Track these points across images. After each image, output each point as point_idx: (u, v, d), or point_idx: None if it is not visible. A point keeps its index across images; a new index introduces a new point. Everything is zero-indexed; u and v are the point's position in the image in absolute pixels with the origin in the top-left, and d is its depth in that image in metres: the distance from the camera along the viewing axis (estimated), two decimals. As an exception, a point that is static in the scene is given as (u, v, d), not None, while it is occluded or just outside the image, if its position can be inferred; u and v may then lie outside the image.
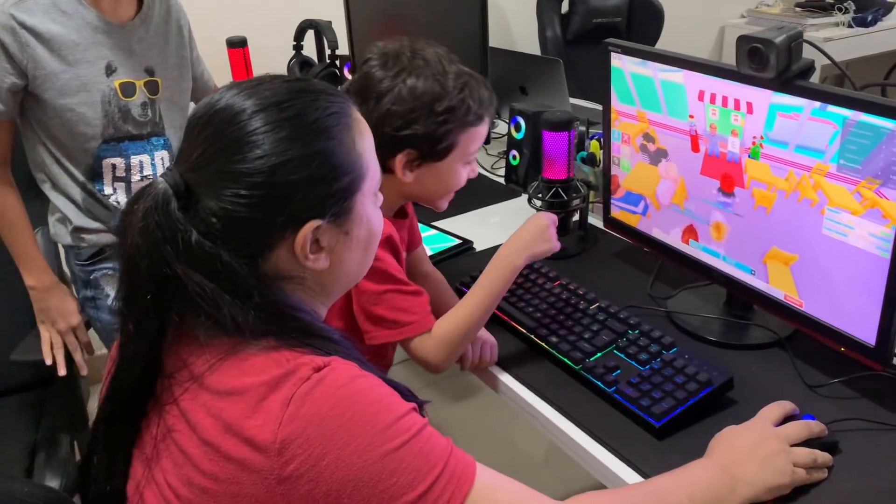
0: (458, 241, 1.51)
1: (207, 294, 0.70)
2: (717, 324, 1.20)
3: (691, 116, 1.13)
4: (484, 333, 1.15)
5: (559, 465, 2.10)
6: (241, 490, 0.68)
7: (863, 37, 3.16)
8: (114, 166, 1.53)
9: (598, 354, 1.10)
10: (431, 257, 1.43)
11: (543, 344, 1.14)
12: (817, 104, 0.95)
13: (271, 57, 2.28)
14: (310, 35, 2.30)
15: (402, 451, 0.69)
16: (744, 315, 1.20)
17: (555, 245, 1.13)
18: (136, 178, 1.56)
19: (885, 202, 0.91)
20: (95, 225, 1.57)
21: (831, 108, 0.94)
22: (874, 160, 0.91)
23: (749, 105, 1.04)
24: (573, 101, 1.94)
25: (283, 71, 2.33)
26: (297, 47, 2.32)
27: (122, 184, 1.56)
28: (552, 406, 1.06)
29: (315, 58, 2.33)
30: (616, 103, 1.27)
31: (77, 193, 1.54)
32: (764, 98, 1.01)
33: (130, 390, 0.75)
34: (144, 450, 0.75)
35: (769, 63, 0.96)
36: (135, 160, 1.54)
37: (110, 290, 1.59)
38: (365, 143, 0.79)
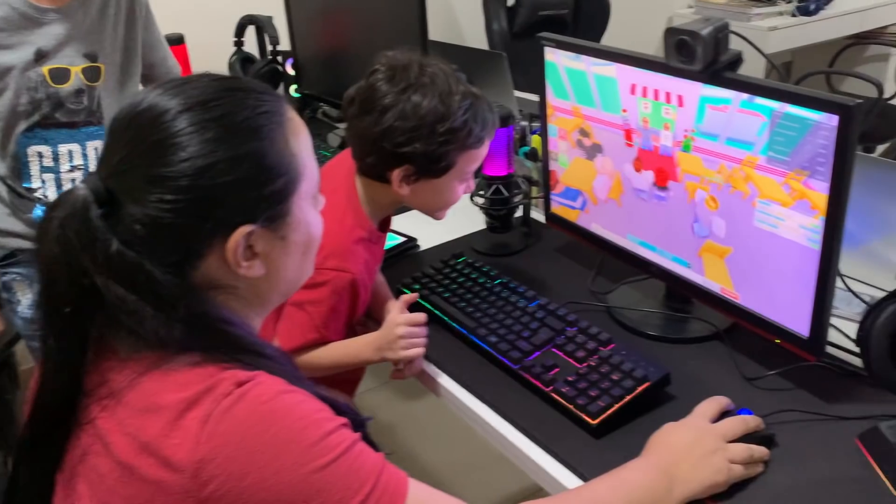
0: (402, 240, 1.48)
1: (129, 307, 0.67)
2: (656, 318, 1.19)
3: (624, 111, 1.12)
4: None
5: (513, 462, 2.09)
6: None
7: (807, 25, 3.20)
8: (40, 155, 1.48)
9: (537, 353, 1.08)
10: (375, 257, 1.41)
11: (483, 344, 1.13)
12: (745, 96, 0.95)
13: (211, 54, 2.23)
14: (251, 31, 2.25)
15: (329, 468, 0.66)
16: (683, 308, 1.19)
17: (403, 356, 1.09)
18: (65, 167, 1.51)
19: (812, 193, 0.91)
20: (16, 228, 1.50)
21: (759, 100, 0.93)
22: (801, 152, 0.90)
23: (680, 98, 1.03)
24: (519, 94, 1.92)
25: (224, 69, 2.28)
26: (238, 43, 2.27)
27: (51, 175, 1.50)
28: (490, 407, 1.04)
29: (257, 54, 2.28)
30: (552, 98, 1.26)
31: (1, 189, 1.47)
32: (694, 91, 1.00)
33: (53, 409, 0.72)
34: (64, 472, 0.72)
35: (696, 55, 0.95)
36: (63, 149, 1.49)
37: (21, 297, 1.53)
38: (300, 142, 0.75)
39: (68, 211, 0.67)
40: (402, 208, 1.22)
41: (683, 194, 1.08)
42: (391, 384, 2.46)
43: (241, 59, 2.26)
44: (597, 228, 1.27)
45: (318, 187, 0.79)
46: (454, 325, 1.18)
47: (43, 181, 1.50)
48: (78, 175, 1.54)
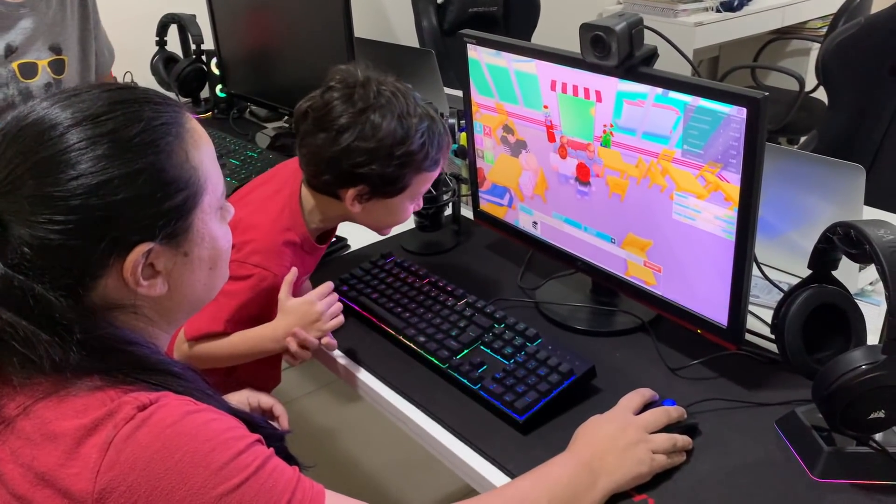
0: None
1: (19, 333, 0.63)
2: (583, 312, 1.20)
3: (545, 107, 1.13)
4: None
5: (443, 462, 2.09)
6: None
7: (731, 21, 3.28)
8: None
9: (465, 351, 1.08)
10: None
11: (411, 344, 1.12)
12: (660, 90, 0.96)
13: (133, 54, 2.16)
14: (173, 30, 2.19)
15: (240, 490, 0.64)
16: (609, 302, 1.21)
17: (329, 327, 1.07)
18: None
19: (726, 185, 0.93)
20: None
21: (672, 94, 0.95)
22: (714, 144, 0.92)
23: (598, 93, 1.04)
24: (449, 91, 1.92)
25: (146, 69, 2.22)
26: (161, 43, 2.21)
27: None
28: (419, 408, 1.04)
29: (180, 53, 2.22)
30: (476, 95, 1.26)
31: None
32: (611, 86, 1.01)
33: None
34: None
35: (611, 50, 0.96)
36: None
37: None
38: (202, 153, 0.72)
39: None
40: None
41: (605, 189, 1.09)
42: (329, 387, 2.44)
43: (164, 59, 2.20)
44: (523, 224, 1.27)
45: (223, 198, 0.76)
46: (382, 326, 1.17)
47: None
48: None
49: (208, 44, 2.11)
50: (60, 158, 0.64)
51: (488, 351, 1.07)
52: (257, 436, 0.69)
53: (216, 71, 2.12)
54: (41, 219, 0.63)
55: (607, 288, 1.20)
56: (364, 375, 1.12)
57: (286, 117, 1.99)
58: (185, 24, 2.12)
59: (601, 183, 1.09)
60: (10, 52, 1.44)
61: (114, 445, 0.62)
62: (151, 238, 0.68)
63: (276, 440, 0.73)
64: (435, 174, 1.14)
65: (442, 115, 1.38)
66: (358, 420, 2.32)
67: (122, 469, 0.61)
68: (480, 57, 1.21)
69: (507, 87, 1.18)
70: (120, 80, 2.12)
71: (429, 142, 1.08)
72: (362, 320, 1.20)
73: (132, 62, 2.16)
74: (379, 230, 1.20)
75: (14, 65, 1.45)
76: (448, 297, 1.19)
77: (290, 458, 0.72)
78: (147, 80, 2.19)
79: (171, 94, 2.21)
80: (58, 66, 1.52)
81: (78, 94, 0.68)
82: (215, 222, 0.75)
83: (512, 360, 1.04)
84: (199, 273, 0.74)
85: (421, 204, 1.19)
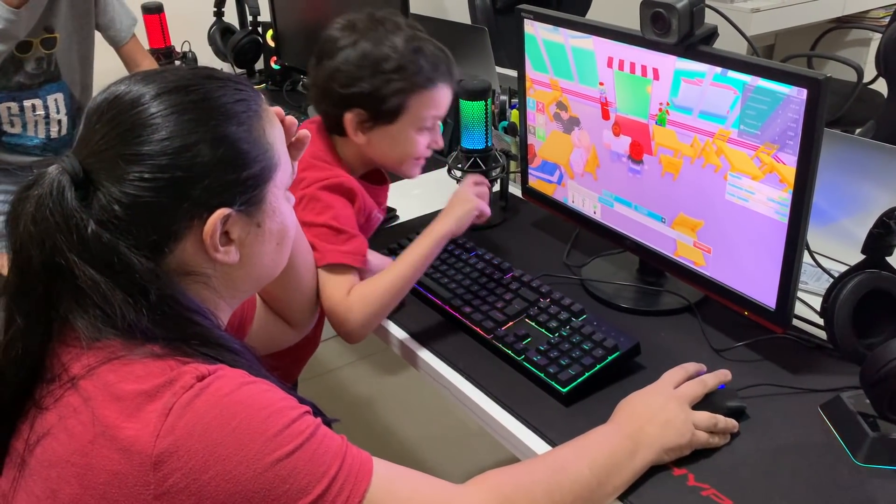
0: (380, 211, 1.49)
1: (100, 290, 0.67)
2: (628, 291, 1.21)
3: (601, 84, 1.13)
4: None
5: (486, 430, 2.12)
6: None
7: (790, 8, 3.20)
8: (8, 108, 1.78)
9: (510, 323, 1.09)
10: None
11: (457, 314, 1.14)
12: (718, 69, 0.95)
13: (191, 23, 2.20)
14: (230, 1, 2.23)
15: (294, 456, 0.66)
16: (655, 282, 1.21)
17: (484, 210, 1.14)
18: (30, 115, 1.81)
19: (782, 167, 0.92)
20: None
21: (731, 74, 0.94)
22: (772, 125, 0.92)
23: (655, 71, 1.03)
24: (500, 70, 1.92)
25: (203, 39, 2.26)
26: (218, 14, 2.24)
27: (19, 119, 1.81)
28: (464, 377, 1.06)
29: (237, 25, 2.26)
30: (530, 71, 1.26)
31: None
32: (669, 64, 1.01)
33: (13, 393, 0.70)
34: (12, 456, 0.70)
35: (671, 28, 0.95)
36: (27, 103, 1.79)
37: None
38: (275, 134, 0.77)
39: (44, 191, 0.67)
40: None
41: (658, 168, 1.09)
42: (369, 359, 2.48)
43: (221, 30, 2.24)
44: (572, 202, 1.28)
45: (290, 182, 0.81)
46: (430, 295, 1.19)
47: (12, 123, 1.81)
48: (40, 118, 1.83)
49: (264, 16, 2.15)
50: (151, 122, 0.69)
51: (533, 324, 1.09)
52: (307, 406, 0.71)
53: (271, 43, 2.15)
54: (132, 176, 0.67)
55: (654, 268, 1.20)
56: (410, 342, 1.14)
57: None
58: (243, -5, 2.15)
59: (654, 161, 1.09)
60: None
61: (173, 412, 0.64)
62: (230, 204, 0.72)
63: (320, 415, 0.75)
64: (435, 97, 1.11)
65: (494, 91, 1.39)
66: (395, 392, 2.36)
67: (181, 434, 0.63)
68: (537, 32, 1.21)
69: (563, 63, 1.18)
70: (178, 49, 2.17)
71: (420, 57, 1.07)
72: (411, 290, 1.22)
73: (190, 31, 2.21)
74: (396, 167, 1.17)
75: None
76: (494, 271, 1.21)
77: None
78: (205, 51, 2.24)
79: (227, 65, 2.26)
80: (49, 43, 1.76)
81: (165, 71, 0.73)
82: (284, 201, 0.80)
83: (556, 334, 1.06)
84: (268, 245, 0.78)
85: (440, 141, 1.17)
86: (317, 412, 0.75)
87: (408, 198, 1.57)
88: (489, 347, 1.08)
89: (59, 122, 1.85)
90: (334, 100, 1.09)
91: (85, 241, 0.66)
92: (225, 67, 2.28)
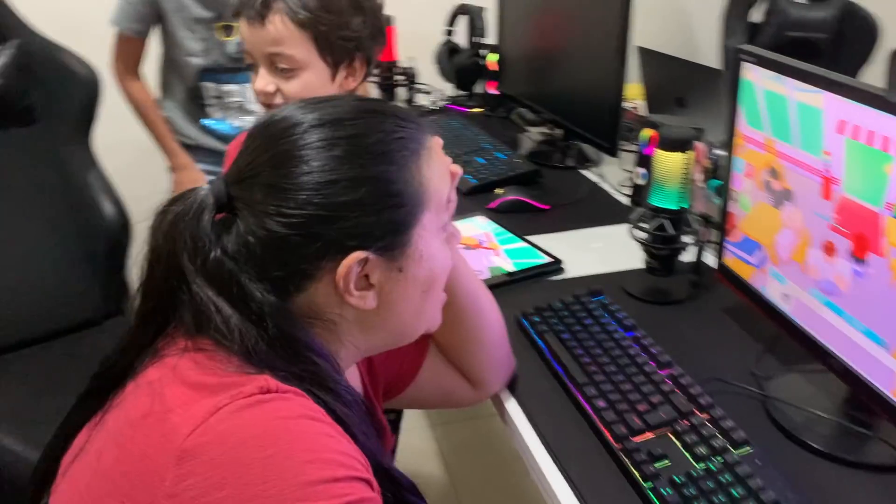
0: (546, 260, 1.31)
1: (220, 313, 0.65)
2: (825, 426, 0.91)
3: (826, 153, 0.86)
4: None
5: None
6: (132, 492, 0.59)
7: None
8: (209, 89, 1.94)
9: (648, 435, 0.87)
10: (512, 273, 1.26)
11: (588, 406, 0.93)
12: None
13: (420, 38, 2.19)
14: (462, 21, 2.18)
15: None
16: (864, 422, 0.90)
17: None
18: (228, 100, 1.94)
19: None
20: (191, 133, 1.99)
21: None
22: None
23: (902, 145, 0.76)
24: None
25: (431, 55, 2.23)
26: (449, 32, 2.21)
27: (217, 104, 1.94)
28: (568, 483, 0.85)
29: (465, 44, 2.20)
30: (743, 126, 1.02)
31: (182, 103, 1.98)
32: (923, 138, 0.73)
33: (117, 375, 0.69)
34: (97, 421, 0.70)
35: (931, 89, 0.68)
36: (226, 87, 1.93)
37: None
38: (433, 171, 0.72)
39: (185, 208, 0.66)
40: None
41: (887, 274, 0.80)
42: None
43: (449, 49, 2.20)
44: (770, 293, 1.01)
45: (449, 220, 0.75)
46: (560, 370, 0.99)
47: (212, 107, 1.95)
48: (236, 105, 1.95)
49: (489, 39, 2.07)
50: (297, 154, 0.66)
51: (678, 443, 0.85)
52: (366, 475, 0.61)
53: (490, 67, 2.06)
54: (270, 209, 0.65)
55: (865, 404, 0.90)
56: (521, 419, 0.96)
57: (549, 124, 1.86)
58: (473, 16, 2.09)
59: (882, 265, 0.80)
60: (219, 15, 1.86)
61: (220, 413, 0.59)
62: (367, 247, 0.67)
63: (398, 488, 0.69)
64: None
65: (693, 140, 1.16)
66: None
67: (214, 437, 0.58)
68: (757, 80, 0.97)
69: (783, 120, 0.93)
70: (405, 64, 2.16)
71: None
72: (542, 358, 1.04)
73: (420, 48, 2.20)
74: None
75: (218, 25, 1.87)
76: (650, 361, 0.98)
77: None
78: (429, 68, 2.21)
79: (448, 86, 2.21)
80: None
81: (330, 101, 0.71)
82: (436, 242, 0.73)
83: (703, 464, 0.81)
84: (411, 292, 0.72)
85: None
86: (410, 493, 0.68)
87: (584, 250, 1.37)
88: (612, 456, 0.87)
89: (254, 113, 1.93)
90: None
91: (206, 264, 0.65)
92: (448, 88, 2.24)
